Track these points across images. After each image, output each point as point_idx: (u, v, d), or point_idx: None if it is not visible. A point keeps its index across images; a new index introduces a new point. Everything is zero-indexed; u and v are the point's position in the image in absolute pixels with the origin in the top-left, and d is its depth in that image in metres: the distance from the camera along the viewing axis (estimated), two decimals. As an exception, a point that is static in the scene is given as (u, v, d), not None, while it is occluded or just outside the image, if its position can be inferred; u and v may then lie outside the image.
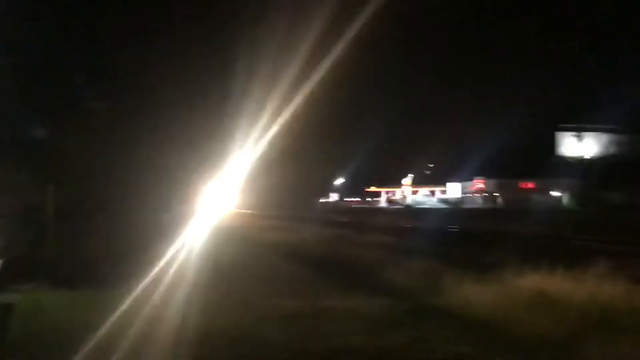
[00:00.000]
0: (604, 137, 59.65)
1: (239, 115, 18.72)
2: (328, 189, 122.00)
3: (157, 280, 9.02)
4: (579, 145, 59.16)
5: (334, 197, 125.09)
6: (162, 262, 9.95)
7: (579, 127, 59.35)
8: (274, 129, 20.32)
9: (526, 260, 10.53)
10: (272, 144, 21.32)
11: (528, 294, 8.08)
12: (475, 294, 8.18)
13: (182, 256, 11.10)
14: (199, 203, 17.52)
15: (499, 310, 7.37)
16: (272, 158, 24.99)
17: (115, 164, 13.53)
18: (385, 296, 8.76)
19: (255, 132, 19.79)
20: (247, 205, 56.32)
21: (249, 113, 19.07)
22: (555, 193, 72.18)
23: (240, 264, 13.02)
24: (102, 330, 6.22)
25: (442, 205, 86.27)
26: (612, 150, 59.60)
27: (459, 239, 18.86)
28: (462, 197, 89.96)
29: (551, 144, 61.40)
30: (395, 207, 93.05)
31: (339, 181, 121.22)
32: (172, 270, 9.82)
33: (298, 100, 19.25)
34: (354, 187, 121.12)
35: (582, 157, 59.12)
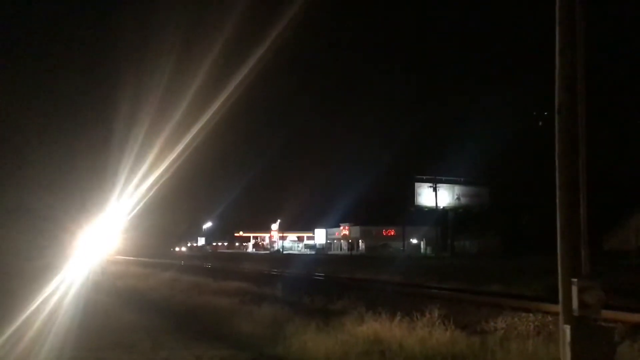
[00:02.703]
0: (456, 189, 64.18)
1: (118, 167, 18.44)
2: (196, 233, 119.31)
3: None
4: (435, 196, 63.02)
5: (201, 241, 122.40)
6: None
7: (434, 178, 63.40)
8: (150, 179, 20.20)
9: (371, 307, 10.95)
10: (146, 193, 21.18)
11: (365, 340, 8.34)
12: (315, 341, 8.29)
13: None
14: (75, 249, 16.53)
15: (335, 358, 7.53)
16: (146, 206, 24.68)
17: None
18: (228, 346, 8.65)
19: (130, 183, 19.55)
20: (122, 251, 53.82)
21: (128, 164, 18.83)
22: (413, 240, 76.08)
23: (89, 313, 12.20)
24: None
25: (309, 251, 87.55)
26: (462, 200, 64.18)
27: (314, 285, 19.12)
28: (327, 242, 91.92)
29: (411, 194, 64.87)
30: (262, 252, 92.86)
31: (207, 225, 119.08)
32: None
33: (174, 151, 19.45)
34: (222, 232, 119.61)
35: (437, 206, 62.94)
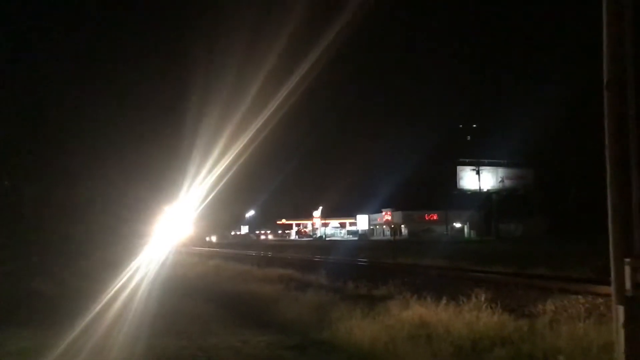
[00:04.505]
0: (499, 171, 63.14)
1: (188, 163, 19.36)
2: (239, 222, 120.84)
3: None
4: (478, 179, 62.17)
5: (244, 230, 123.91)
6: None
7: (477, 161, 62.54)
8: (214, 175, 21.08)
9: (416, 292, 10.92)
10: (211, 189, 22.17)
11: (411, 325, 8.32)
12: (361, 326, 8.32)
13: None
14: (144, 243, 17.16)
15: (381, 343, 7.53)
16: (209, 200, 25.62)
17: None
18: (274, 332, 8.76)
19: (197, 179, 20.50)
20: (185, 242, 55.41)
21: (195, 162, 19.81)
22: (456, 224, 75.34)
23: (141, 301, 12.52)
24: None
25: (351, 237, 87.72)
26: (506, 183, 63.10)
27: (358, 271, 19.15)
28: (369, 228, 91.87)
29: (453, 178, 64.16)
30: (305, 239, 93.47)
31: (250, 214, 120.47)
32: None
33: (235, 148, 20.34)
34: (265, 220, 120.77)
35: (480, 189, 62.10)
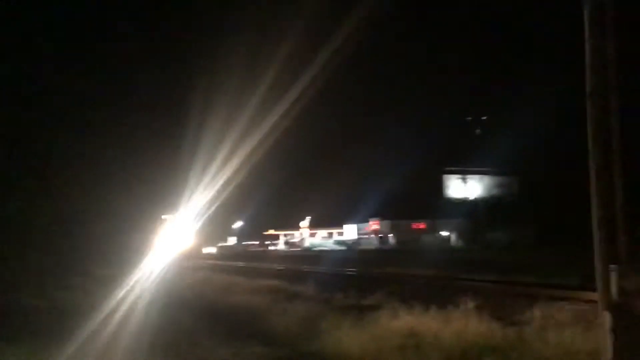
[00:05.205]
0: (485, 179, 63.56)
1: (188, 173, 19.64)
2: (226, 233, 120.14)
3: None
4: (464, 187, 62.56)
5: (232, 240, 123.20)
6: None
7: (463, 169, 62.93)
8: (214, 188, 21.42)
9: (405, 301, 10.93)
10: (211, 201, 22.50)
11: (400, 335, 8.33)
12: (350, 337, 8.32)
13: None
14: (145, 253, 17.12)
15: (370, 353, 7.54)
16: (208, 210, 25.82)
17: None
18: (263, 343, 8.72)
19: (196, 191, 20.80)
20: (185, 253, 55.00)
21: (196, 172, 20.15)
22: (443, 233, 75.59)
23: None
24: None
25: (339, 247, 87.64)
26: (492, 191, 63.50)
27: (347, 281, 19.12)
28: (358, 238, 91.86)
29: (439, 186, 64.49)
30: (293, 249, 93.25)
31: (238, 224, 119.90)
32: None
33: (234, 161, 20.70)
34: (252, 231, 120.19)
35: (467, 198, 62.45)
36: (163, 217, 23.77)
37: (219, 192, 22.34)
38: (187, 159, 19.51)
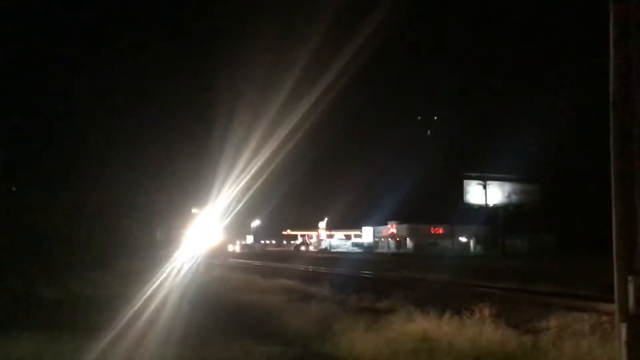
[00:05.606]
0: (506, 186, 62.94)
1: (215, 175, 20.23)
2: (245, 231, 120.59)
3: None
4: (484, 193, 62.01)
5: (249, 239, 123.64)
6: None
7: (484, 175, 62.38)
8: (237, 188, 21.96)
9: (420, 306, 10.90)
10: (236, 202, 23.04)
11: (413, 339, 8.30)
12: (363, 339, 8.30)
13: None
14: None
15: (383, 356, 7.52)
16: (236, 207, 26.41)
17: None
18: (276, 343, 8.73)
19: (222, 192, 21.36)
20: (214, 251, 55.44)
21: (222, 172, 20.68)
22: (462, 238, 75.06)
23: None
24: None
25: (356, 249, 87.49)
26: (513, 198, 62.87)
27: (363, 284, 19.09)
28: (375, 241, 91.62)
29: (459, 192, 64.03)
30: (310, 250, 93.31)
31: (256, 223, 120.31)
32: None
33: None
34: (270, 230, 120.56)
35: (486, 204, 61.91)
36: (193, 210, 24.06)
37: (244, 190, 22.72)
38: (215, 158, 20.00)
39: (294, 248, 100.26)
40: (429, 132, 76.79)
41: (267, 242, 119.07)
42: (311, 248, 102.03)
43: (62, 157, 13.74)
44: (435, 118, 76.09)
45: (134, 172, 14.82)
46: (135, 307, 11.31)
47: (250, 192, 23.76)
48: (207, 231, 25.75)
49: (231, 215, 26.52)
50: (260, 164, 21.68)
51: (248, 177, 21.70)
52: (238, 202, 23.91)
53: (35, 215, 12.73)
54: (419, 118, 77.55)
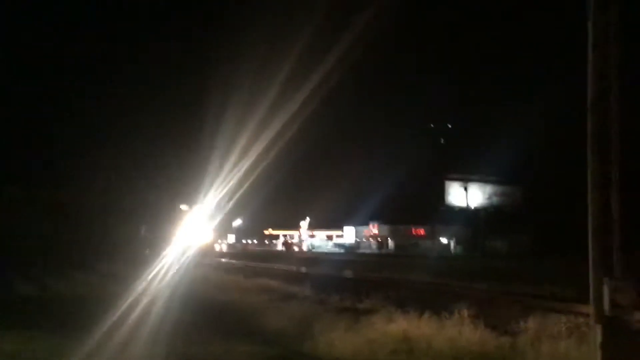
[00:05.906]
0: (487, 188, 63.32)
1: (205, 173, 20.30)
2: (226, 230, 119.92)
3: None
4: (465, 195, 62.35)
5: (231, 239, 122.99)
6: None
7: (465, 177, 62.71)
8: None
9: (400, 306, 10.93)
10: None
11: (393, 339, 8.32)
12: (343, 339, 8.31)
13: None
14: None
15: (363, 356, 7.53)
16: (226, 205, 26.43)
17: None
18: (256, 342, 8.71)
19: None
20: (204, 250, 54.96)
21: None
22: (443, 239, 75.47)
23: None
24: None
25: (338, 250, 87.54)
26: (494, 200, 63.30)
27: (344, 284, 19.09)
28: (357, 241, 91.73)
29: (441, 193, 64.31)
30: (291, 250, 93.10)
31: (237, 223, 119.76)
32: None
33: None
34: (251, 229, 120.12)
35: (468, 206, 62.26)
36: (181, 207, 23.99)
37: (232, 189, 22.76)
38: (204, 155, 20.11)
39: (285, 247, 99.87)
40: (442, 140, 76.17)
41: (249, 241, 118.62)
42: (296, 248, 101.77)
43: (40, 154, 13.56)
44: (450, 126, 75.66)
45: (119, 168, 14.69)
46: (117, 308, 11.20)
47: (241, 190, 23.83)
48: (196, 230, 25.65)
49: (222, 215, 26.55)
50: (250, 163, 21.79)
51: (239, 174, 21.76)
52: (229, 200, 23.97)
53: (11, 212, 12.54)
54: (432, 125, 76.67)
